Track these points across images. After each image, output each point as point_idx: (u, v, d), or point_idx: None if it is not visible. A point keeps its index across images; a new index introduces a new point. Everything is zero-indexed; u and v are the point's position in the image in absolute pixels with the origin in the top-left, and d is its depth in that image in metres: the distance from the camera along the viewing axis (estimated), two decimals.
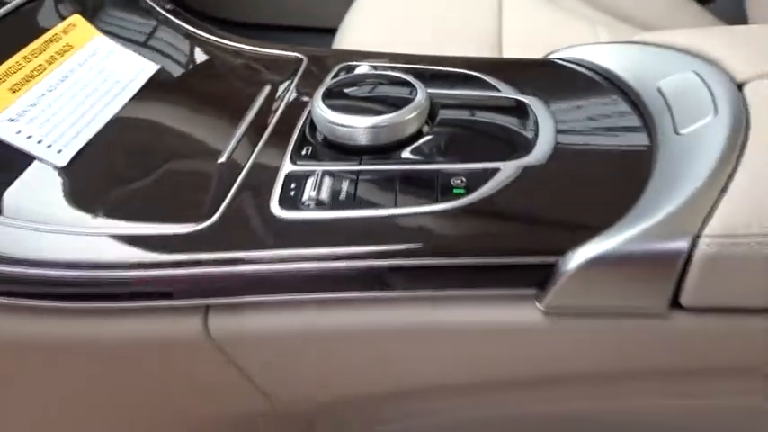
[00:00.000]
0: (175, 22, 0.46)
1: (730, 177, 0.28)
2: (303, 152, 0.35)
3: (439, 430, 0.36)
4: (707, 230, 0.27)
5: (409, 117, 0.34)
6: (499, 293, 0.29)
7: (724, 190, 0.28)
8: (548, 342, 0.30)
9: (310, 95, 0.39)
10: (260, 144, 0.36)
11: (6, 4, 0.40)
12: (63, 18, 0.40)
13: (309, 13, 0.93)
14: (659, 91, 0.36)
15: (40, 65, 0.36)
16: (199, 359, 0.32)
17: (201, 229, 0.31)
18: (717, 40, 0.37)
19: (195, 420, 0.36)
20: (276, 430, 0.36)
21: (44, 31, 0.38)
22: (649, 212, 0.28)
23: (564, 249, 0.28)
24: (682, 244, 0.27)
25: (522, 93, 0.39)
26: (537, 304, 0.29)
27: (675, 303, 0.29)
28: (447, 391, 0.33)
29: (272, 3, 0.89)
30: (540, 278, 0.29)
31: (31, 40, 0.37)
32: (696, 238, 0.27)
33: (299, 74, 0.43)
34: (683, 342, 0.30)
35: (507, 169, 0.32)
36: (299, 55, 0.45)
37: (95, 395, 0.34)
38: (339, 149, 0.35)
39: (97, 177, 0.33)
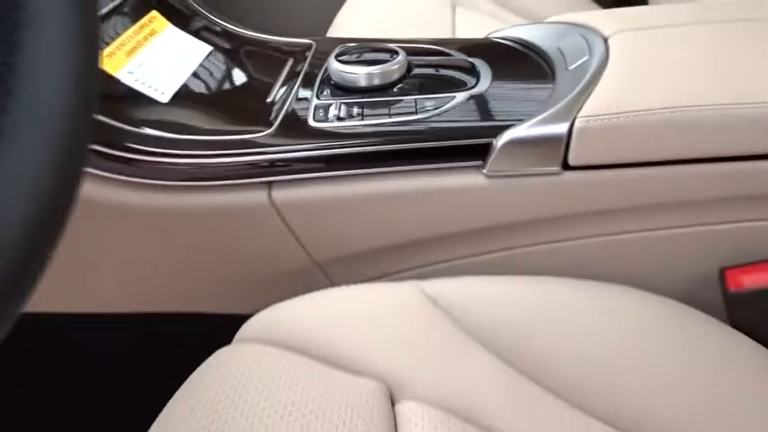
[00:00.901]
0: (220, 23, 0.63)
1: (594, 87, 0.46)
2: (324, 93, 0.52)
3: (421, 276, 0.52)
4: (579, 115, 0.44)
5: (394, 67, 0.52)
6: (458, 165, 0.46)
7: (590, 94, 0.46)
8: (491, 197, 0.47)
9: (323, 61, 0.56)
10: (293, 91, 0.53)
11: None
12: (146, 12, 0.57)
13: (292, 28, 1.09)
14: (558, 49, 0.54)
15: (139, 41, 0.53)
16: (263, 224, 0.48)
17: (264, 135, 0.47)
18: (595, 16, 0.55)
19: (249, 277, 0.51)
20: (309, 283, 0.51)
21: (137, 20, 0.55)
22: (546, 110, 0.46)
23: (495, 134, 0.46)
24: (564, 125, 0.45)
25: (470, 56, 0.57)
26: (482, 170, 0.46)
27: (567, 166, 0.46)
28: (426, 244, 0.50)
29: (258, 17, 1.04)
30: (483, 153, 0.46)
31: (131, 25, 0.54)
32: (573, 120, 0.44)
33: (312, 51, 0.60)
34: (577, 191, 0.47)
35: (460, 96, 0.50)
36: (309, 41, 0.62)
37: (185, 257, 0.50)
38: (348, 90, 0.52)
39: (189, 109, 0.50)
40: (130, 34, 0.53)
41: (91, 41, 0.25)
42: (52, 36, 0.24)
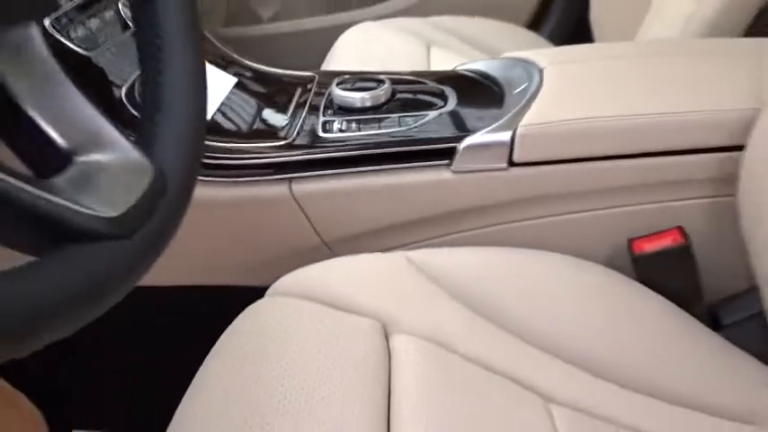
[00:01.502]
0: (242, 61, 0.78)
1: (531, 105, 0.62)
2: (328, 112, 0.67)
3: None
4: (520, 124, 0.60)
5: (381, 93, 0.67)
6: (431, 164, 0.62)
7: (528, 110, 0.61)
8: (456, 188, 0.62)
9: (325, 88, 0.71)
10: (304, 111, 0.68)
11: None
12: None
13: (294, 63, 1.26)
14: (507, 77, 0.70)
15: None
16: (285, 211, 0.62)
17: (285, 142, 0.62)
18: (535, 53, 0.72)
19: (270, 254, 0.65)
20: (317, 259, 0.65)
21: None
22: (496, 122, 0.62)
23: (459, 140, 0.61)
24: (509, 132, 0.60)
25: (440, 84, 0.73)
26: (450, 168, 0.62)
27: (512, 163, 0.61)
28: (408, 226, 0.65)
29: (270, 56, 1.21)
30: (450, 154, 0.61)
31: None
32: (515, 129, 0.60)
33: (315, 81, 0.75)
34: (520, 183, 0.62)
35: (432, 113, 0.66)
36: (312, 74, 0.78)
37: (222, 239, 0.64)
38: (346, 110, 0.67)
39: (225, 125, 0.64)
40: None
41: (204, 71, 0.40)
42: (186, 67, 0.39)
